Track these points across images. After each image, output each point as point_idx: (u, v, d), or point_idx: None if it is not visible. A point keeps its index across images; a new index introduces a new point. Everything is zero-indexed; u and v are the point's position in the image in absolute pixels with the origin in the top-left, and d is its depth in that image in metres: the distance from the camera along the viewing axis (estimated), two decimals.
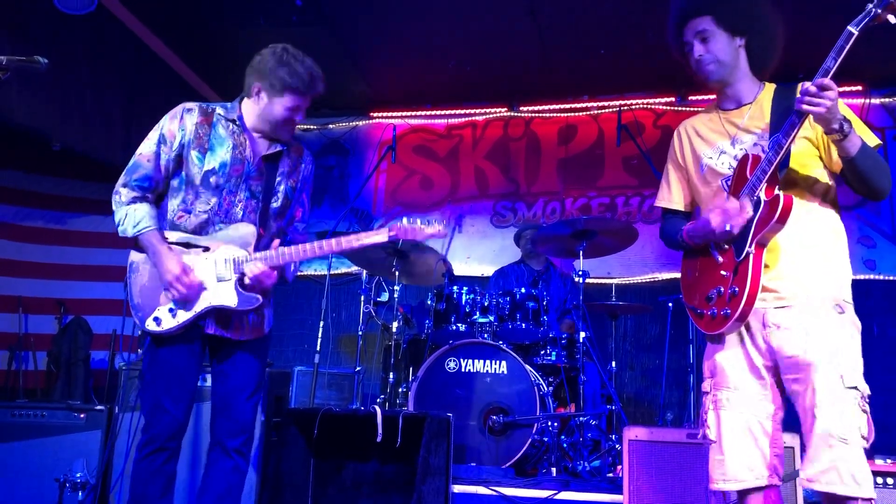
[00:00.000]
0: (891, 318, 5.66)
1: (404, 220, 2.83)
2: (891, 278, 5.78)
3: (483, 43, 5.82)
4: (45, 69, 2.61)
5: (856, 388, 2.10)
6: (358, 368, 4.67)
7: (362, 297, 4.91)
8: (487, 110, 6.89)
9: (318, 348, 4.66)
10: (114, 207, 2.71)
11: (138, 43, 5.72)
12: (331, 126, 7.16)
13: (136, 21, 5.62)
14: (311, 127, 7.22)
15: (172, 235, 2.70)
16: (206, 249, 2.71)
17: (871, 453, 2.15)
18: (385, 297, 4.96)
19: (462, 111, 6.94)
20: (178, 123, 2.73)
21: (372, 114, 7.10)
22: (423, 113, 7.00)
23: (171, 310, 2.65)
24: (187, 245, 2.70)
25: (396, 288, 4.77)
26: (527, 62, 6.09)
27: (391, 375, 4.72)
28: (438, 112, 6.98)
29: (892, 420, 4.81)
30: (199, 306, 2.66)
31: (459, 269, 6.32)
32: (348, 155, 7.12)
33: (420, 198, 6.87)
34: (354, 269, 6.36)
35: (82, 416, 4.12)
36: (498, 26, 5.57)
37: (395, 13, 5.46)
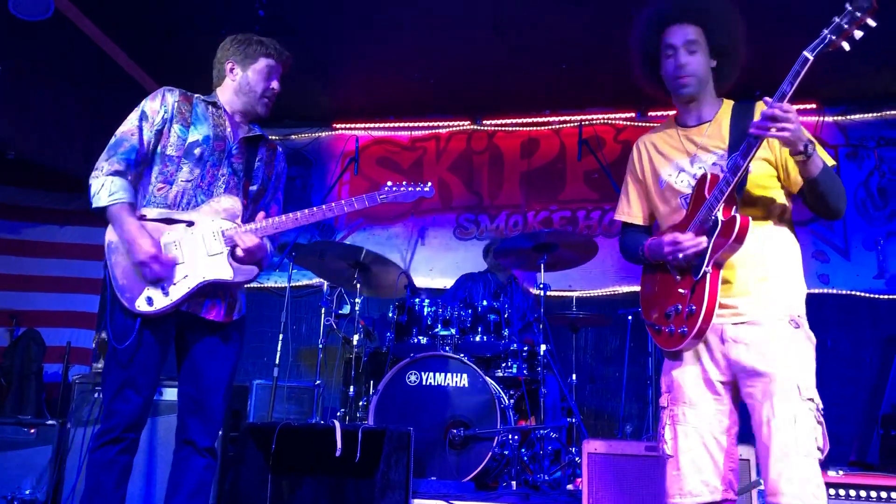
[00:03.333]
0: (844, 332, 5.78)
1: (389, 183, 2.83)
2: (844, 292, 5.90)
3: (447, 56, 5.85)
4: None
5: (811, 400, 2.14)
6: (318, 382, 4.63)
7: (323, 310, 4.88)
8: (451, 123, 6.91)
9: (277, 361, 4.63)
10: (91, 182, 2.62)
11: (98, 51, 5.63)
12: (293, 137, 7.12)
13: (96, 29, 5.54)
14: (274, 137, 7.10)
15: (152, 212, 2.63)
16: (190, 224, 2.64)
17: (824, 465, 2.18)
18: (346, 309, 4.93)
19: (426, 123, 6.95)
20: (159, 101, 2.73)
21: (335, 125, 7.07)
22: (387, 125, 7.00)
23: (162, 287, 2.56)
24: (169, 221, 2.63)
25: (358, 300, 4.75)
26: (490, 76, 6.13)
27: (352, 389, 4.69)
28: (402, 124, 6.98)
29: (845, 432, 4.88)
30: (193, 281, 2.58)
31: (422, 281, 6.32)
32: (311, 166, 7.08)
33: (383, 209, 6.84)
34: (316, 281, 6.32)
35: (32, 430, 4.02)
36: (462, 40, 5.60)
37: (359, 25, 5.46)
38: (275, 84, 2.84)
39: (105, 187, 2.58)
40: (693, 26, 2.35)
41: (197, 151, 2.69)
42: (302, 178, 7.04)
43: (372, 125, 7.00)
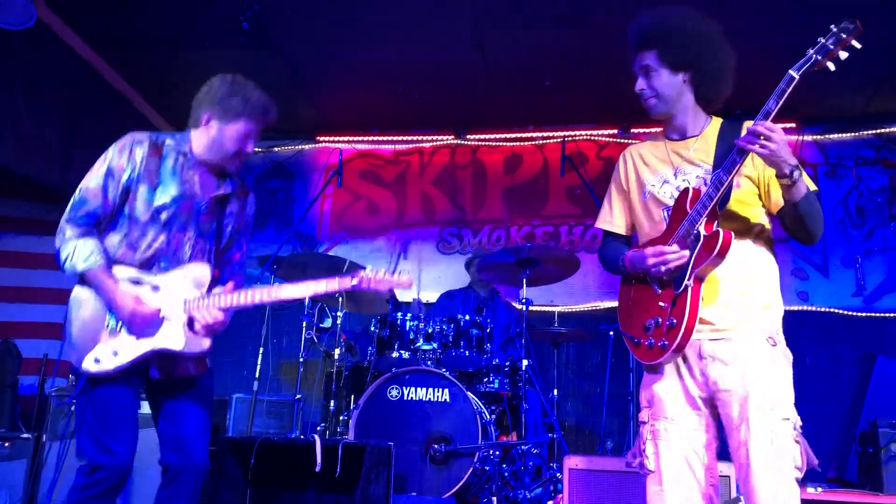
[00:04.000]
0: (823, 349, 5.83)
1: (368, 268, 2.62)
2: (822, 309, 5.95)
3: (430, 71, 5.87)
4: None
5: (788, 419, 2.15)
6: (298, 396, 4.60)
7: (304, 323, 4.84)
8: (434, 137, 6.92)
9: (257, 375, 4.59)
10: (58, 244, 2.54)
11: (80, 62, 5.58)
12: (276, 149, 7.10)
13: (78, 39, 5.50)
14: (256, 150, 7.08)
15: (121, 271, 2.55)
16: (156, 289, 2.57)
17: (802, 481, 2.19)
18: (328, 323, 4.91)
19: (409, 137, 6.96)
20: (126, 156, 2.59)
21: (318, 138, 7.06)
22: (371, 138, 7.00)
23: (113, 351, 2.50)
24: (136, 282, 2.56)
25: (339, 314, 4.73)
26: (473, 91, 6.16)
27: (332, 403, 4.67)
28: (386, 137, 6.98)
29: (823, 449, 4.90)
30: (143, 348, 2.52)
31: (403, 295, 6.30)
32: (293, 178, 7.06)
33: (366, 223, 6.84)
34: None
35: (7, 444, 3.95)
36: (445, 55, 5.62)
37: (343, 39, 5.47)
38: (250, 147, 2.71)
39: (78, 251, 2.50)
40: (647, 51, 2.41)
41: (163, 216, 2.59)
42: (284, 191, 7.02)
43: (356, 138, 7.00)
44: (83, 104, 5.61)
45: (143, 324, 2.50)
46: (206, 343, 2.59)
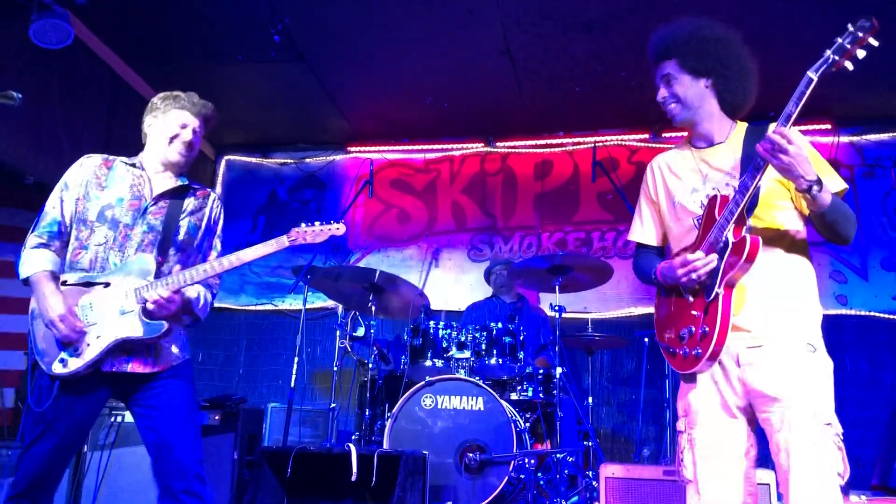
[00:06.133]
0: (863, 353, 5.72)
1: (303, 225, 2.79)
2: (862, 313, 5.84)
3: (459, 79, 5.88)
4: (19, 104, 2.60)
5: (829, 425, 2.12)
6: (333, 405, 4.62)
7: (338, 332, 4.88)
8: (464, 145, 6.94)
9: (292, 384, 4.61)
10: (21, 251, 2.72)
11: (115, 77, 5.70)
12: (308, 160, 7.18)
13: (114, 55, 5.63)
14: (288, 161, 7.23)
15: (72, 277, 2.68)
16: (108, 286, 2.67)
17: (846, 489, 2.15)
18: (361, 331, 4.93)
19: (439, 146, 6.98)
20: (78, 169, 2.81)
21: (349, 148, 7.12)
22: (401, 147, 7.04)
23: (75, 349, 2.59)
24: (87, 284, 2.66)
25: (373, 323, 4.75)
26: (502, 98, 6.16)
27: (367, 412, 4.68)
28: (416, 147, 7.02)
29: (866, 455, 4.82)
30: (105, 341, 2.60)
31: (436, 303, 6.31)
32: (325, 189, 7.12)
33: (397, 232, 6.87)
34: (330, 303, 6.32)
35: None
36: (474, 63, 5.63)
37: (372, 49, 5.51)
38: (184, 133, 2.85)
39: (30, 258, 2.69)
40: (666, 61, 2.44)
41: (109, 214, 2.73)
42: (316, 201, 7.08)
43: (386, 148, 7.05)
44: (120, 119, 5.71)
45: (65, 330, 2.56)
46: (164, 325, 2.65)
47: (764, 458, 2.33)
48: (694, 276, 2.24)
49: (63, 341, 2.58)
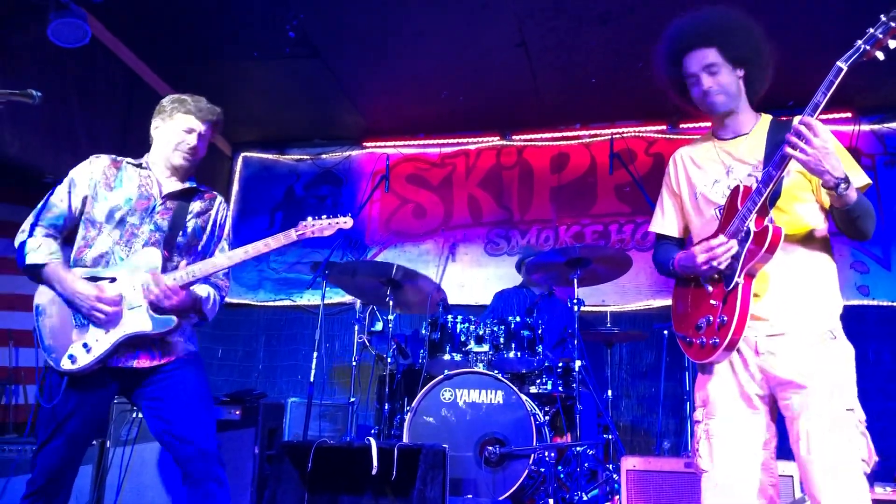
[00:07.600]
0: (887, 344, 5.65)
1: (309, 219, 2.82)
2: (885, 303, 5.77)
3: (474, 73, 5.87)
4: (38, 102, 2.62)
5: (851, 410, 2.11)
6: (352, 399, 4.63)
7: (356, 327, 4.89)
8: (480, 139, 6.92)
9: (311, 379, 4.63)
10: (23, 239, 2.70)
11: (132, 75, 5.74)
12: (324, 156, 7.19)
13: (131, 53, 5.66)
14: (305, 157, 7.24)
15: (77, 272, 2.69)
16: (113, 281, 2.68)
17: (870, 480, 2.13)
18: (379, 326, 4.94)
19: (455, 140, 6.97)
20: (86, 168, 2.84)
21: (365, 143, 7.13)
22: (417, 142, 7.04)
23: (84, 345, 2.61)
24: (93, 279, 2.67)
25: (391, 317, 4.75)
26: (518, 91, 6.14)
27: (386, 406, 4.69)
28: (431, 141, 7.02)
29: (891, 446, 4.77)
30: (114, 337, 2.62)
31: (453, 297, 6.30)
32: (342, 184, 7.14)
33: (413, 226, 6.88)
34: (348, 298, 6.33)
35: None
36: (489, 57, 5.61)
37: (387, 45, 5.51)
38: (190, 138, 2.87)
39: (43, 246, 2.69)
40: (707, 49, 2.37)
41: (118, 215, 2.75)
42: (333, 197, 7.10)
43: (402, 143, 7.05)
44: (137, 117, 5.74)
45: (109, 309, 2.59)
46: (174, 320, 2.68)
47: (787, 450, 2.31)
48: (714, 262, 2.23)
49: (104, 323, 2.60)
